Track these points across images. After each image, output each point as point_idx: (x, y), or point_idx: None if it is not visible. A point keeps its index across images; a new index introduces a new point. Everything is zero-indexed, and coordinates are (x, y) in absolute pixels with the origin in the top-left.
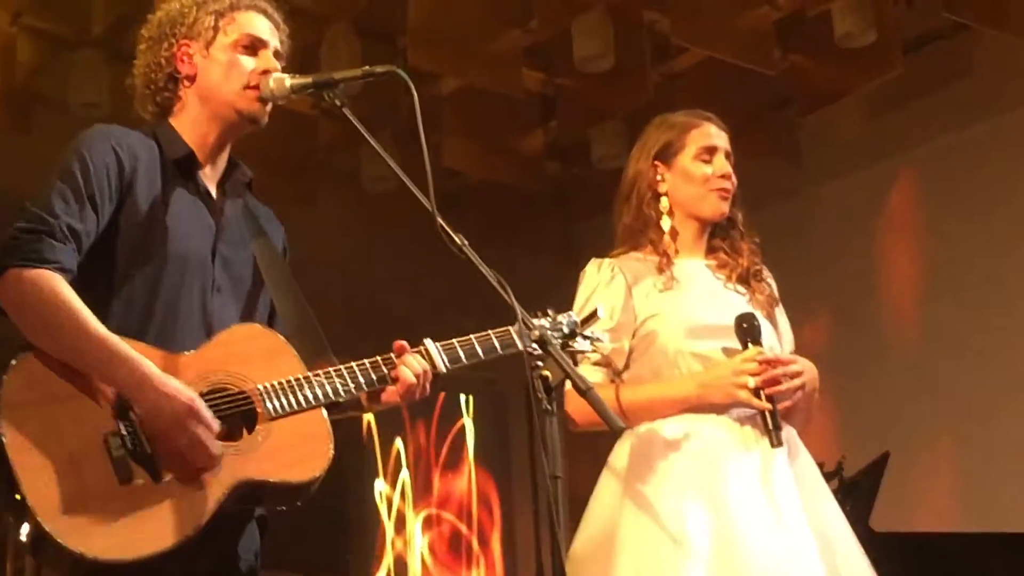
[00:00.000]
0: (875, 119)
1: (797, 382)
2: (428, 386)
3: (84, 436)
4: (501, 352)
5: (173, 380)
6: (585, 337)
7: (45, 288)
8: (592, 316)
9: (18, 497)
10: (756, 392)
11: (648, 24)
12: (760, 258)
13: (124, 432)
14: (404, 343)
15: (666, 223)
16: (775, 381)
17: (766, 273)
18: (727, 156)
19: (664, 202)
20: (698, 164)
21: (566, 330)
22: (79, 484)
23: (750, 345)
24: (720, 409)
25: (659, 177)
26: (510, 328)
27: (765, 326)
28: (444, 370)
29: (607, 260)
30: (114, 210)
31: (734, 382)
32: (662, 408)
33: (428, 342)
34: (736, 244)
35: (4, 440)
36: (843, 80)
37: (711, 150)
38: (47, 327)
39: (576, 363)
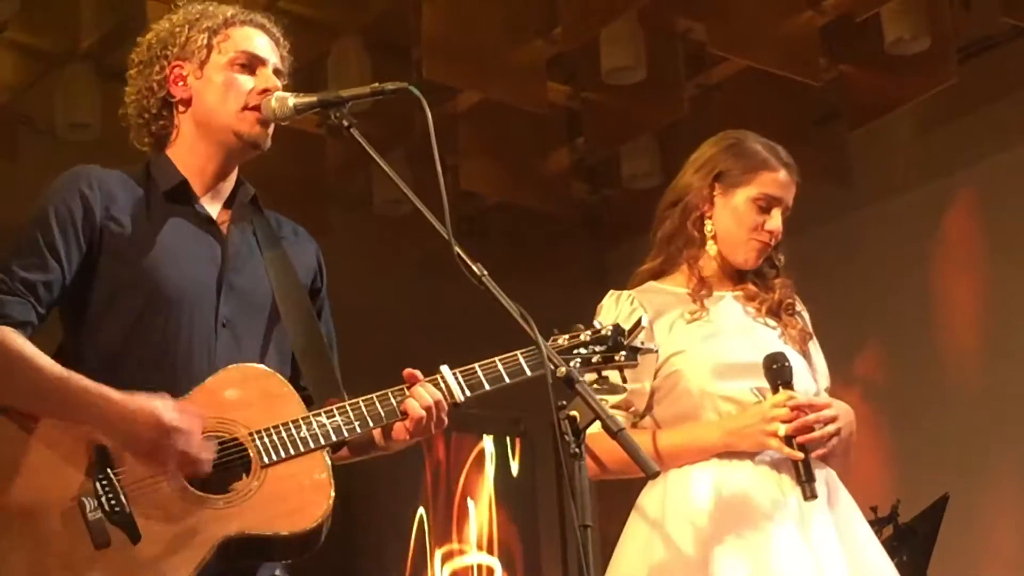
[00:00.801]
0: (929, 133)
1: (832, 428)
2: (445, 418)
3: (59, 501)
4: (530, 375)
5: (137, 399)
6: (633, 348)
7: None
8: (637, 325)
9: None
10: (788, 440)
11: (682, 32)
12: (792, 290)
13: (100, 491)
14: (415, 372)
15: (712, 248)
16: (808, 428)
17: (799, 306)
18: (785, 210)
19: (709, 226)
20: (752, 209)
21: (611, 342)
22: (50, 553)
23: (780, 388)
24: (754, 454)
25: (712, 199)
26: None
27: (798, 363)
28: (462, 399)
29: (626, 292)
30: (87, 257)
31: (763, 429)
32: (689, 456)
33: (444, 369)
34: (766, 275)
35: None
36: (894, 91)
37: (772, 201)
38: (2, 380)
39: (624, 380)
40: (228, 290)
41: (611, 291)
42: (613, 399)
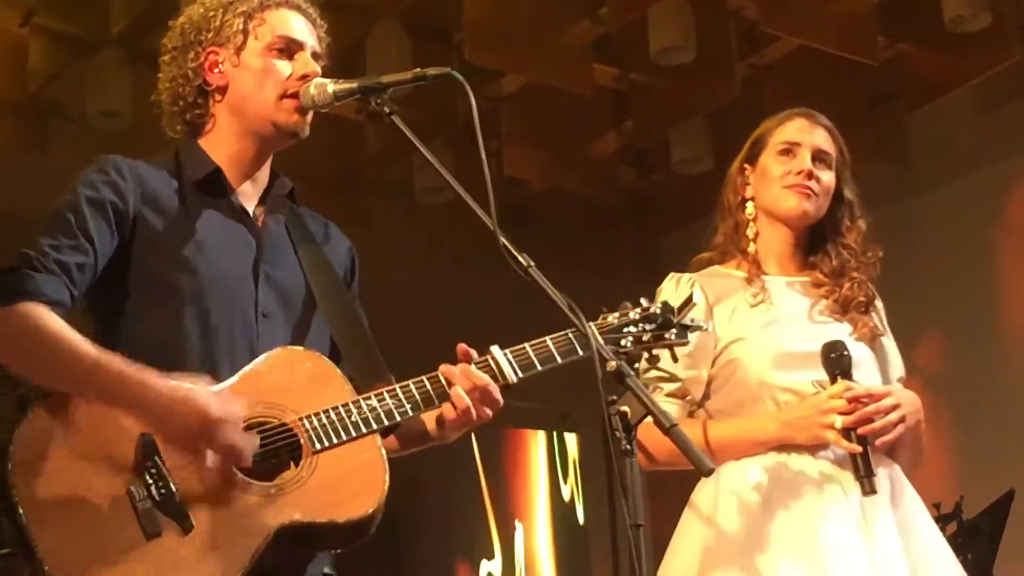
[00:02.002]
0: (991, 113)
1: (893, 417)
2: (499, 398)
3: (106, 490)
4: (582, 355)
5: (178, 384)
6: (684, 327)
7: (30, 322)
8: (688, 302)
9: (38, 562)
10: (846, 433)
11: (734, 10)
12: (867, 287)
13: (149, 480)
14: (469, 349)
15: (751, 230)
16: (867, 420)
17: (878, 302)
18: (817, 154)
19: (749, 208)
20: (776, 160)
21: (660, 320)
22: (102, 544)
23: (839, 378)
24: (813, 447)
25: (746, 181)
26: (591, 324)
27: (863, 354)
28: (515, 379)
29: (686, 275)
30: (121, 245)
31: (820, 422)
32: (742, 448)
33: (495, 349)
34: (839, 262)
35: (18, 502)
36: (954, 69)
37: (792, 146)
38: (40, 362)
39: (675, 359)
40: (265, 282)
41: (671, 273)
42: (668, 387)
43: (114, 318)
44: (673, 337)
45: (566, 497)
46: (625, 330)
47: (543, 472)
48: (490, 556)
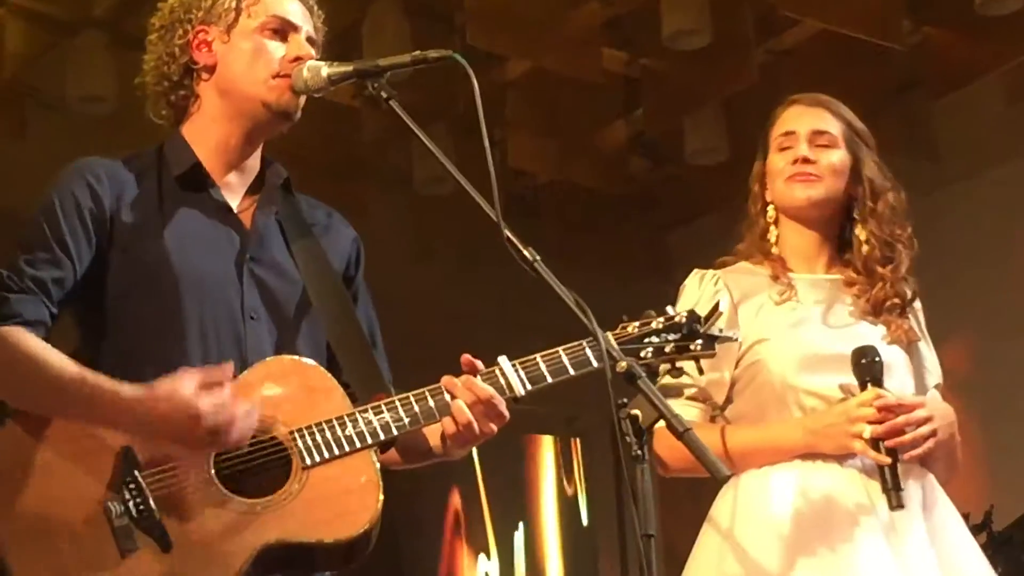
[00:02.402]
0: (1022, 101)
1: (925, 429)
2: (505, 412)
3: (82, 506)
4: (596, 366)
5: (162, 385)
6: (711, 337)
7: (7, 346)
8: (715, 311)
9: None
10: (875, 443)
11: None
12: (903, 287)
13: (127, 495)
14: (474, 360)
15: (772, 234)
16: (897, 431)
17: (916, 304)
18: (813, 136)
19: (770, 211)
20: (779, 155)
21: (686, 330)
22: (75, 561)
23: (869, 385)
24: (841, 457)
25: (764, 184)
26: (607, 335)
27: (897, 359)
28: (522, 393)
29: (711, 272)
30: (99, 249)
31: (848, 431)
32: (767, 456)
33: (502, 360)
34: (868, 254)
35: None
36: (984, 55)
37: (788, 136)
38: (18, 385)
39: (701, 371)
40: (250, 281)
41: (695, 270)
42: (688, 391)
43: (94, 327)
44: (699, 348)
45: (571, 500)
46: (646, 340)
47: (549, 475)
48: (488, 556)
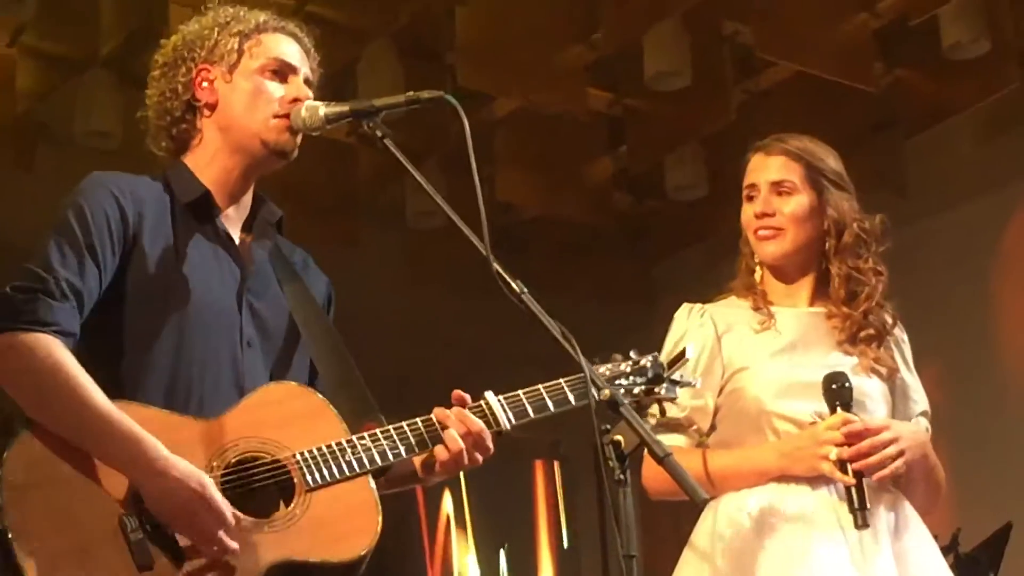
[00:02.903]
0: (990, 141)
1: (892, 450)
2: (490, 445)
3: (97, 518)
4: (575, 405)
5: (181, 463)
6: (673, 382)
7: (40, 354)
8: (680, 357)
9: None
10: (842, 465)
11: (729, 35)
12: (880, 318)
13: (143, 511)
14: (463, 394)
15: (757, 275)
16: (864, 454)
17: (899, 335)
18: (773, 187)
19: (755, 257)
20: (746, 205)
21: (651, 374)
22: (91, 573)
23: (838, 409)
24: (813, 479)
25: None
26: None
27: (872, 387)
28: (507, 427)
29: (698, 306)
30: (120, 264)
31: (816, 453)
32: (744, 480)
33: (489, 395)
34: (842, 288)
35: (8, 526)
36: (952, 97)
37: (751, 188)
38: (42, 399)
39: (663, 412)
40: (248, 311)
41: (684, 303)
42: (678, 416)
43: (101, 341)
44: (663, 392)
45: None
46: (617, 382)
47: (533, 498)
48: None
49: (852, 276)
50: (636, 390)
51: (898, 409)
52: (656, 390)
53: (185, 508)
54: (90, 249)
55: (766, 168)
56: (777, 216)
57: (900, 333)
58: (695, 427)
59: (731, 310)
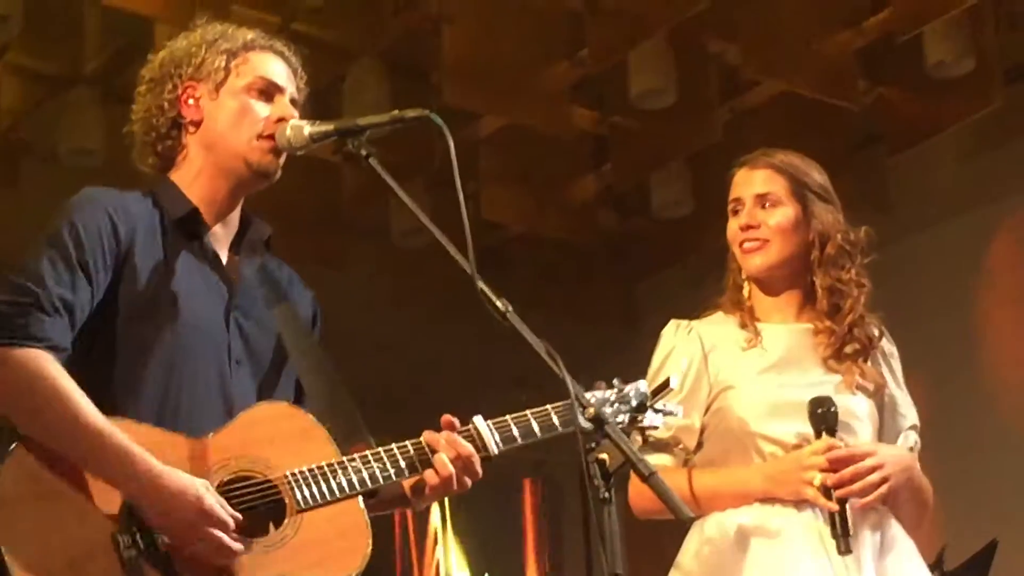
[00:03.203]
0: (973, 159)
1: (875, 477)
2: (479, 470)
3: (90, 534)
4: (561, 431)
5: (177, 474)
6: (656, 411)
7: (32, 370)
8: (664, 386)
9: None
10: (826, 490)
11: (714, 54)
12: (867, 333)
13: (136, 528)
14: (453, 419)
15: (746, 289)
16: (846, 480)
17: (887, 348)
18: (757, 200)
19: (743, 272)
20: (732, 219)
21: (634, 403)
22: None
23: (824, 434)
24: (798, 501)
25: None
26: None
27: (859, 405)
28: (495, 452)
29: (686, 322)
30: (111, 279)
31: (801, 478)
32: (729, 500)
33: (478, 420)
34: (827, 302)
35: (0, 541)
36: (936, 115)
37: (736, 203)
38: (35, 414)
39: (646, 440)
40: (235, 330)
41: (672, 320)
42: (664, 435)
43: (90, 355)
44: (646, 421)
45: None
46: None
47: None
48: None
49: (835, 288)
50: (620, 418)
51: (886, 425)
52: (639, 419)
53: (188, 522)
54: (82, 265)
55: (751, 181)
56: (762, 228)
57: (889, 346)
58: (681, 446)
59: (718, 327)
